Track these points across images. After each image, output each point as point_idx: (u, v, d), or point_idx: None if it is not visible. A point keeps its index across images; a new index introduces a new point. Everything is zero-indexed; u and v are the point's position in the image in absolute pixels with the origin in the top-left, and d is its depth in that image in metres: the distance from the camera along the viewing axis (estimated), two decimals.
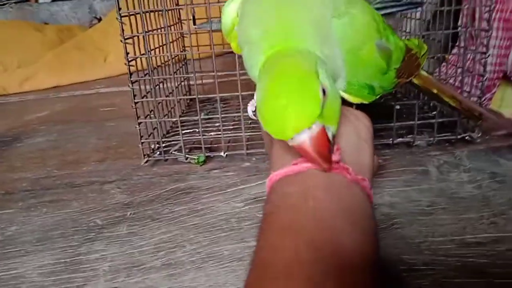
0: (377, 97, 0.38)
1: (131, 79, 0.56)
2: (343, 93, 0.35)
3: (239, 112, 0.56)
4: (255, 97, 0.43)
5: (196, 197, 0.50)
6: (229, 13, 0.37)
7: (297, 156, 0.30)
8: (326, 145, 0.27)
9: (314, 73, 0.27)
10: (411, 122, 0.56)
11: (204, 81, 0.78)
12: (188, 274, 0.37)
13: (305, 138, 0.26)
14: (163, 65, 0.67)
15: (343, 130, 0.32)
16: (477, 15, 0.67)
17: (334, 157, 0.29)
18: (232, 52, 0.49)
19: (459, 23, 0.78)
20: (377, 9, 0.43)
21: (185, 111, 0.78)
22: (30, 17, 1.75)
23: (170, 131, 0.68)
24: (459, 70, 0.58)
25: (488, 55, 0.56)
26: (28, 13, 1.76)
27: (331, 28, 0.33)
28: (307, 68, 0.27)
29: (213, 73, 0.55)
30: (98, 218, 0.47)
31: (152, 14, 0.59)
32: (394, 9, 0.54)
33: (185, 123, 0.67)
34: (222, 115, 0.57)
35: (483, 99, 0.58)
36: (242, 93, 0.55)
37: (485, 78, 0.55)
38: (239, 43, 0.36)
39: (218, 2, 0.55)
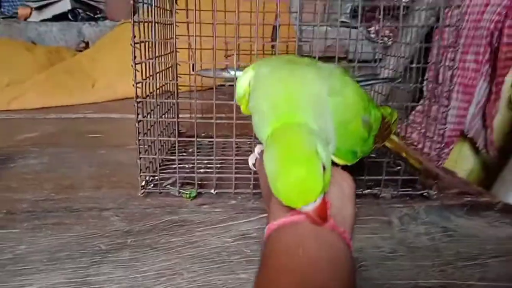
0: (358, 159, 0.46)
1: (138, 118, 0.62)
2: (332, 156, 0.42)
3: (230, 153, 0.63)
4: (255, 150, 0.50)
5: (189, 230, 0.56)
6: (242, 84, 0.45)
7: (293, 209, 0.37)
8: (326, 210, 0.35)
9: (316, 153, 0.35)
10: (379, 177, 0.64)
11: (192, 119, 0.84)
12: None
13: (310, 208, 0.34)
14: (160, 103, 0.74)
15: (330, 189, 0.40)
16: (440, 76, 0.77)
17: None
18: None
19: (426, 76, 0.89)
20: (359, 81, 0.52)
21: (170, 148, 0.84)
22: (18, 34, 1.78)
23: (161, 164, 0.74)
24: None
25: (449, 108, 0.64)
26: (16, 30, 1.79)
27: (326, 104, 0.41)
28: (311, 148, 0.35)
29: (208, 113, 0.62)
30: (101, 243, 0.52)
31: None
32: (373, 82, 0.64)
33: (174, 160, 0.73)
34: (210, 156, 0.64)
35: (442, 152, 0.67)
36: (236, 139, 0.62)
37: (445, 127, 0.63)
38: (250, 108, 0.44)
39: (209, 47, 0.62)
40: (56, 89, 1.25)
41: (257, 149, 0.51)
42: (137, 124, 0.62)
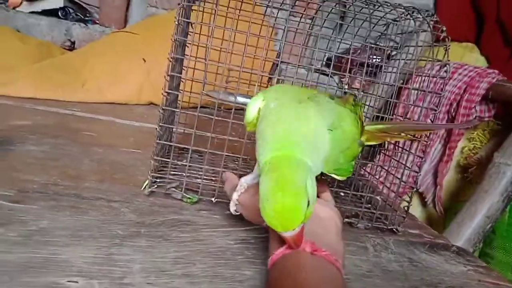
0: (350, 174, 0.57)
1: (160, 124, 0.68)
2: (334, 175, 0.54)
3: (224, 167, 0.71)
4: (237, 188, 0.58)
5: (195, 229, 0.62)
6: (252, 111, 0.55)
7: None
8: (301, 238, 0.45)
9: (304, 188, 0.43)
10: (358, 209, 0.74)
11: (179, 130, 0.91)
12: (203, 284, 0.49)
13: (289, 235, 0.44)
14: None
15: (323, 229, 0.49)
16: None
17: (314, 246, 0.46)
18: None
19: None
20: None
21: (166, 153, 0.89)
22: (3, 21, 1.77)
23: (162, 167, 0.80)
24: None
25: (424, 159, 0.76)
26: (3, 17, 1.79)
27: (324, 138, 0.50)
28: (301, 183, 0.44)
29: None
30: (118, 229, 0.57)
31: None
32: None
33: (172, 165, 0.80)
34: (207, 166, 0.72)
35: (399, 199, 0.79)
36: (244, 156, 0.70)
37: (419, 175, 0.75)
38: (256, 133, 0.53)
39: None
40: (46, 82, 1.26)
41: (240, 186, 0.59)
42: (158, 129, 0.68)
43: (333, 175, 0.55)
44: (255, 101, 0.55)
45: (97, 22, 1.96)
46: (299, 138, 0.48)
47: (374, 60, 1.78)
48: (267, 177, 0.45)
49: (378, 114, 0.91)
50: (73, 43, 1.86)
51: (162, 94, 0.66)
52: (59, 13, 1.89)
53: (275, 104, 0.53)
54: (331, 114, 0.52)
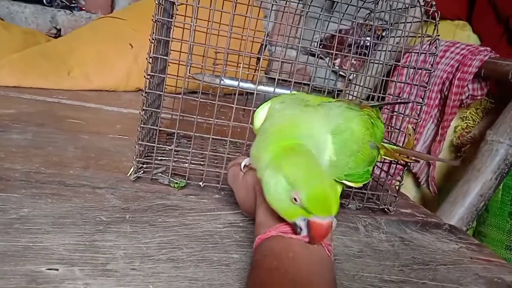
0: (367, 180, 0.54)
1: (143, 108, 0.66)
2: (346, 182, 0.51)
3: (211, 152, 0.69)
4: (243, 161, 0.57)
5: (182, 213, 0.61)
6: (259, 118, 0.53)
7: (280, 222, 0.44)
8: (328, 233, 0.42)
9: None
10: (349, 190, 0.73)
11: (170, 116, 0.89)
12: (189, 268, 0.48)
13: (329, 220, 0.41)
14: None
15: None
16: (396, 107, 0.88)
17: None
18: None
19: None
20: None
21: (153, 139, 0.88)
22: None
23: (149, 153, 0.78)
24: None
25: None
26: None
27: (327, 142, 0.48)
28: (320, 167, 0.43)
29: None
30: (102, 215, 0.56)
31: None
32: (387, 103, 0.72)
33: (159, 150, 0.78)
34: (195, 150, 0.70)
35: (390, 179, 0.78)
36: (231, 139, 0.68)
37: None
38: (258, 133, 0.51)
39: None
40: (31, 70, 1.24)
41: (245, 161, 0.57)
42: (141, 113, 0.66)
43: (345, 182, 0.52)
44: (263, 108, 0.54)
45: (83, 8, 1.92)
46: (304, 133, 0.47)
47: (366, 40, 1.77)
48: (284, 165, 0.42)
49: (371, 93, 0.89)
50: (59, 30, 1.82)
51: (144, 77, 0.64)
52: (44, 0, 1.85)
53: (280, 106, 0.52)
54: (337, 119, 0.50)
